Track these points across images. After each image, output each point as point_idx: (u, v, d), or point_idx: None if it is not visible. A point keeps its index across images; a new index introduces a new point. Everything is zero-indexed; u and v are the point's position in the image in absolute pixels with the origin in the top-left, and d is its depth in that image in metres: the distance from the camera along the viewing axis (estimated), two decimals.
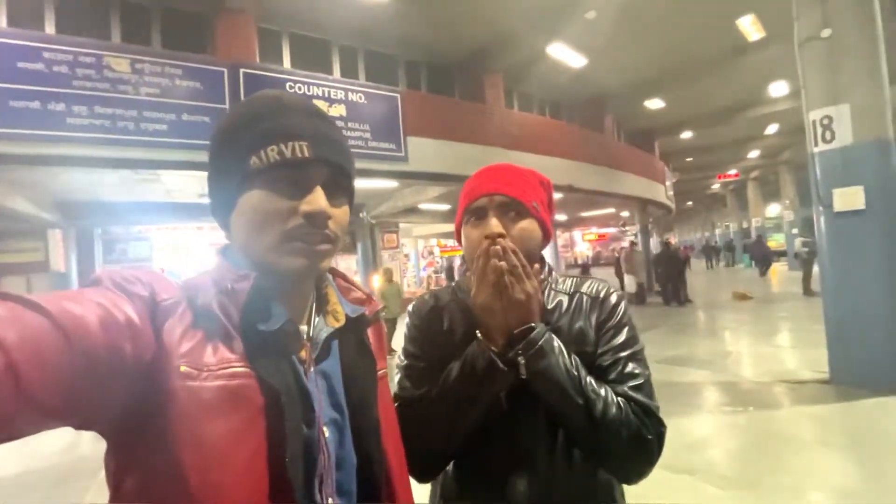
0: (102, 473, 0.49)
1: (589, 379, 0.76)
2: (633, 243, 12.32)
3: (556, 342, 0.75)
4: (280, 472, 0.48)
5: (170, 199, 7.16)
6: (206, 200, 0.62)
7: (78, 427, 0.44)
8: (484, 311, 0.75)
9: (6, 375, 0.35)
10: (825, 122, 4.11)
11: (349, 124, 6.06)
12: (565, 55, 8.98)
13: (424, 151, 6.71)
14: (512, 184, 0.84)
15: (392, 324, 6.74)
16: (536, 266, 0.86)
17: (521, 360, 0.73)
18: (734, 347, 6.14)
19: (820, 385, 4.19)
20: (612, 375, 0.80)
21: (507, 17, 7.65)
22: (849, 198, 4.01)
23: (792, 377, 4.51)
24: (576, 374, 0.75)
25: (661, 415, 0.79)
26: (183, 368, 0.47)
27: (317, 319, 0.62)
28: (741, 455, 3.10)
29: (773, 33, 8.36)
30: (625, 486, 0.87)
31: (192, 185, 6.29)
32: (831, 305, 4.25)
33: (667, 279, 10.88)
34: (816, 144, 4.19)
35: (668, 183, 14.47)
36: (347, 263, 10.44)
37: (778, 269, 17.51)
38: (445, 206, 10.12)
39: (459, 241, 0.92)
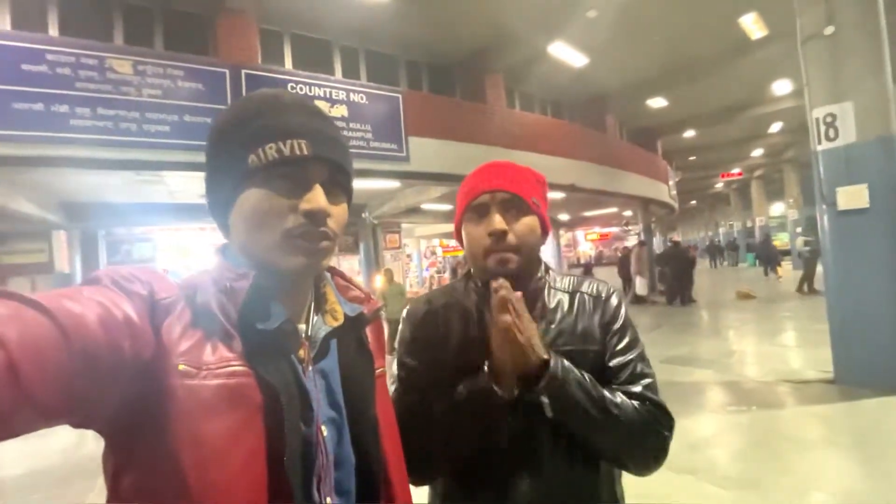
0: None
1: (604, 392, 0.77)
2: (642, 242, 12.20)
3: (570, 369, 0.76)
4: (278, 471, 0.48)
5: (173, 201, 7.19)
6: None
7: (77, 426, 0.44)
8: (496, 355, 0.75)
9: (7, 373, 0.35)
10: (828, 119, 4.09)
11: (351, 125, 6.06)
12: (566, 54, 8.96)
13: (426, 151, 6.71)
14: (514, 181, 0.84)
15: (394, 324, 6.74)
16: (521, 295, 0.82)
17: (545, 398, 0.73)
18: (738, 347, 6.12)
19: (824, 385, 4.17)
20: (624, 377, 0.81)
21: (508, 17, 7.64)
22: (852, 196, 3.99)
23: (796, 377, 4.48)
24: (593, 392, 0.76)
25: None
26: (182, 367, 0.47)
27: (315, 318, 0.62)
28: (744, 455, 3.09)
29: (775, 31, 8.32)
30: (626, 486, 0.87)
31: (195, 186, 6.30)
32: (835, 304, 4.22)
33: (673, 278, 10.84)
34: (820, 142, 4.17)
35: (671, 182, 14.42)
36: (350, 264, 10.45)
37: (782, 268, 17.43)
38: (447, 206, 10.11)
39: (459, 239, 0.91)
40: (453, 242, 15.71)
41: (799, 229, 15.84)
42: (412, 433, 0.72)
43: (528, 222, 0.84)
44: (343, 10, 7.14)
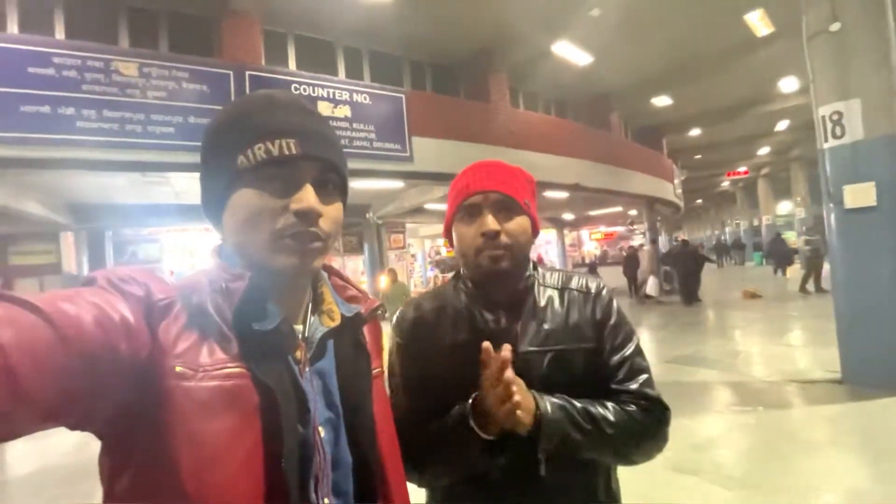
0: None
1: (597, 413, 0.77)
2: (653, 241, 12.10)
3: (561, 413, 0.75)
4: (276, 473, 0.48)
5: (178, 202, 7.24)
6: None
7: (73, 427, 0.44)
8: (488, 405, 0.73)
9: (3, 376, 0.35)
10: (835, 117, 4.05)
11: (354, 125, 6.08)
12: (570, 53, 8.92)
13: (429, 151, 6.71)
14: (506, 182, 0.85)
15: None
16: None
17: (542, 456, 0.72)
18: (744, 346, 6.06)
19: (831, 385, 4.12)
20: (622, 374, 0.83)
21: (512, 16, 7.62)
22: (860, 194, 3.94)
23: (803, 377, 4.44)
24: (586, 425, 0.76)
25: None
26: (178, 368, 0.47)
27: (312, 319, 0.62)
28: (750, 456, 3.05)
29: (781, 28, 8.24)
30: (630, 488, 0.88)
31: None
32: (842, 303, 4.18)
33: (684, 277, 10.77)
34: (826, 140, 4.13)
35: (676, 181, 14.32)
36: (354, 264, 10.47)
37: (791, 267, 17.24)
38: None
39: (449, 238, 0.91)
40: None
41: (803, 228, 15.72)
42: (406, 448, 0.72)
43: (520, 222, 0.84)
44: (346, 10, 7.16)
